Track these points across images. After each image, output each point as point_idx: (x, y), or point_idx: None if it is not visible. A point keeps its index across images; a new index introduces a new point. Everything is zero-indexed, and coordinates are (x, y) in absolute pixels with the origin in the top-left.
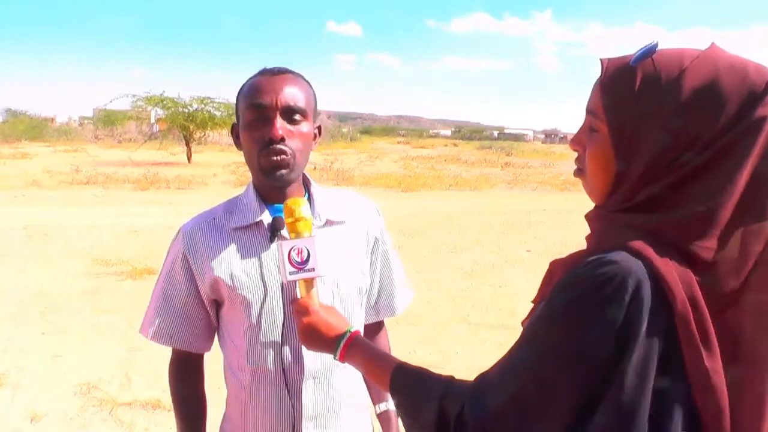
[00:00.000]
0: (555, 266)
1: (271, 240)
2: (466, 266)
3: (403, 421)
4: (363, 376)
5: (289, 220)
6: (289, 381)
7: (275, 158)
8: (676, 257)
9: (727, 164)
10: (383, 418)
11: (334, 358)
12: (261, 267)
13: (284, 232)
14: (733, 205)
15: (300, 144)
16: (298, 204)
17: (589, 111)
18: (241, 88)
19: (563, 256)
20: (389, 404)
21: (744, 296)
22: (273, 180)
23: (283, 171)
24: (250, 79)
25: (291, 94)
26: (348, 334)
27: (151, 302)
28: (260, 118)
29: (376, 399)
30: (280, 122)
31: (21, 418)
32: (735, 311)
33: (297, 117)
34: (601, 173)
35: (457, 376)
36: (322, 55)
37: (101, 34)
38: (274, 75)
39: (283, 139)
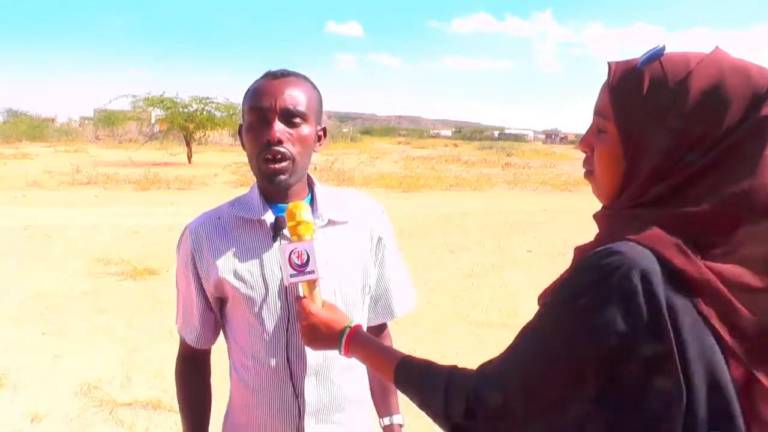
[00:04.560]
0: (575, 253)
1: (274, 239)
2: (466, 266)
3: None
4: (369, 384)
5: (291, 223)
6: (293, 377)
7: (274, 165)
8: (687, 248)
9: (733, 162)
10: (387, 431)
11: (340, 354)
12: (262, 266)
13: (285, 231)
14: (739, 202)
15: (300, 147)
16: (299, 208)
17: (597, 112)
18: (246, 91)
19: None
20: (394, 419)
21: (747, 295)
22: (272, 185)
23: (282, 177)
24: (255, 81)
25: (291, 97)
26: (348, 329)
27: (176, 298)
28: (260, 120)
29: (381, 412)
30: (278, 125)
31: (21, 418)
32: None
33: (297, 120)
34: (610, 173)
35: None
36: (322, 55)
37: (101, 34)
38: (276, 78)
39: (280, 142)
